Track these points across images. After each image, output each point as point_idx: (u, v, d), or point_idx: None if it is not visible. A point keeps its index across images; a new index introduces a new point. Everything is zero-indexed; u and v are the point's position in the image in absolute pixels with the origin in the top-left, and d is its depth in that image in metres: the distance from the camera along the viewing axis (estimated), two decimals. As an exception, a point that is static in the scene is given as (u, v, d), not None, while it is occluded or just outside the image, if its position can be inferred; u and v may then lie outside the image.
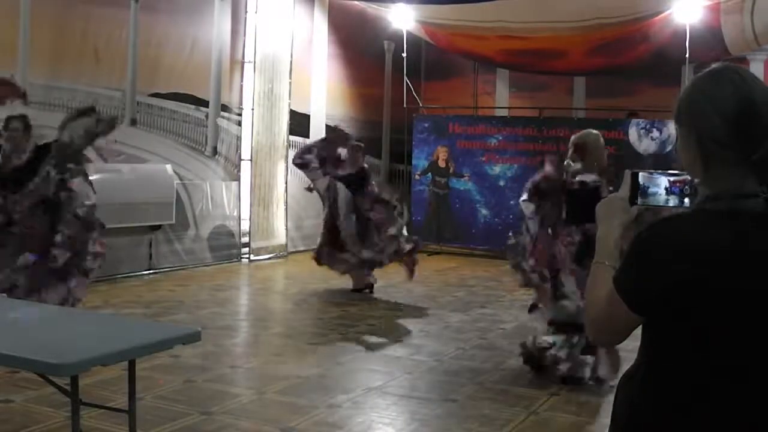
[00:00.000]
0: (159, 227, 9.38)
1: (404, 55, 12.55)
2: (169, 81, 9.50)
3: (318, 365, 5.65)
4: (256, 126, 10.83)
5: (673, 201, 1.60)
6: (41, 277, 5.78)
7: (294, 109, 11.45)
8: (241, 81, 10.65)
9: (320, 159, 8.58)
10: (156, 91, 9.35)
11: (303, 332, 6.91)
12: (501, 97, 14.13)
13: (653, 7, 10.97)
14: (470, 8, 11.12)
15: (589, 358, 5.18)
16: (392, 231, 8.32)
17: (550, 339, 5.32)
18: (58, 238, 5.86)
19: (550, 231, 5.39)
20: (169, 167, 9.45)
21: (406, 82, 12.80)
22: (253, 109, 10.75)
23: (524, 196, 5.47)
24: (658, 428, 1.53)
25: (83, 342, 3.22)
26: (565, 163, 5.39)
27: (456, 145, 12.44)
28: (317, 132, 11.55)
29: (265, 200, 11.06)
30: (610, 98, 12.64)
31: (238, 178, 10.70)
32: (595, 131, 5.48)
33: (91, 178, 6.24)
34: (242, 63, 10.67)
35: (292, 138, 11.39)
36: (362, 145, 8.98)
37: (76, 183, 5.98)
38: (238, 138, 10.65)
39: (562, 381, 5.22)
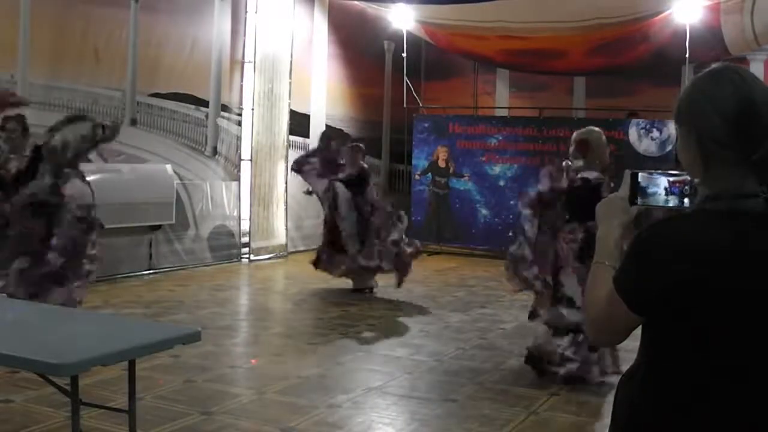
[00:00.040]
0: (159, 227, 9.38)
1: (404, 55, 12.55)
2: (169, 81, 9.50)
3: (318, 365, 5.65)
4: (256, 126, 10.82)
5: (672, 201, 1.60)
6: (38, 282, 5.72)
7: (294, 109, 11.45)
8: (241, 81, 10.65)
9: (321, 162, 8.59)
10: (156, 91, 9.35)
11: (303, 332, 6.91)
12: (501, 97, 14.12)
13: (653, 7, 10.97)
14: (470, 8, 11.12)
15: (594, 356, 5.17)
16: (395, 236, 8.33)
17: (556, 342, 5.30)
18: (54, 241, 5.85)
19: (548, 230, 5.38)
20: (169, 167, 9.44)
21: (406, 82, 12.79)
22: (253, 109, 10.75)
23: (526, 210, 5.41)
24: (658, 428, 1.53)
25: (83, 342, 3.21)
26: (564, 163, 5.40)
27: (456, 145, 12.43)
28: (317, 132, 11.53)
29: (265, 200, 11.06)
30: (610, 98, 12.64)
31: (238, 178, 10.70)
32: (597, 129, 5.47)
33: (90, 178, 6.22)
34: (242, 63, 10.67)
35: (292, 138, 11.40)
36: (361, 145, 8.99)
37: (70, 186, 5.95)
38: (238, 138, 10.65)
39: (564, 381, 5.18)
